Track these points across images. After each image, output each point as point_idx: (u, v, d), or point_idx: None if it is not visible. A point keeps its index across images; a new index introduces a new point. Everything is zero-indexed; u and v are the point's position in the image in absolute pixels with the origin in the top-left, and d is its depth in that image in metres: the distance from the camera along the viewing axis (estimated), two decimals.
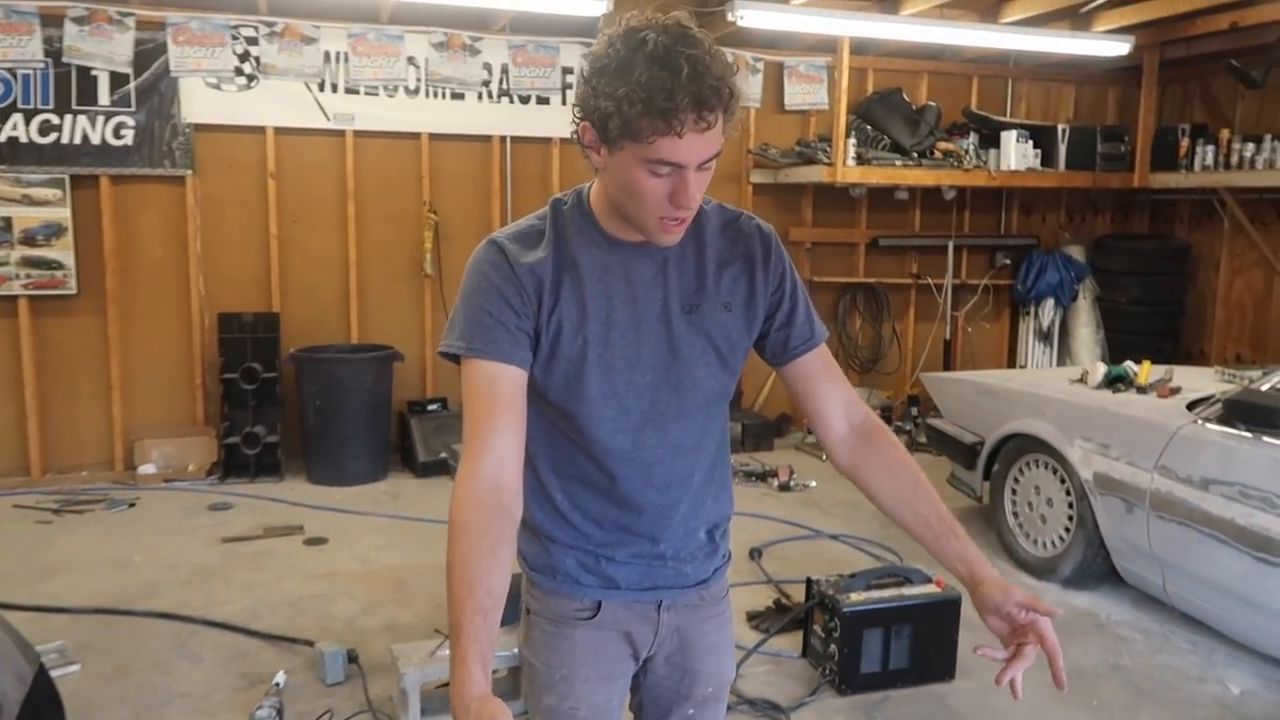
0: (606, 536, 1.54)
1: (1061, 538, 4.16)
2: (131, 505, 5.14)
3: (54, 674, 2.64)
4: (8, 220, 5.31)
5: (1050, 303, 7.16)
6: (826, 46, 6.45)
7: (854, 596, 3.29)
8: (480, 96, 6.03)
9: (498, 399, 1.40)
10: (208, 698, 3.15)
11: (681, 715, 1.66)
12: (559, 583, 1.55)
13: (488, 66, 6.00)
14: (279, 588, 4.04)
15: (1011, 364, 7.45)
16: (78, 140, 5.37)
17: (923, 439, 6.23)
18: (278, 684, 3.11)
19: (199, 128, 5.58)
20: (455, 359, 1.45)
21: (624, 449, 1.50)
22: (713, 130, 1.30)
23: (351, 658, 3.29)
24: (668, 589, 1.58)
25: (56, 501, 5.14)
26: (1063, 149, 6.78)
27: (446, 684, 3.05)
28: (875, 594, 3.32)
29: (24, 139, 5.29)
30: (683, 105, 1.25)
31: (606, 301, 1.45)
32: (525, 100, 6.11)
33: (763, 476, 5.71)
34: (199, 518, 4.96)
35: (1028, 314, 7.34)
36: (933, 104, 6.76)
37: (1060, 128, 6.83)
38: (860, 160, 6.30)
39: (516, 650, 1.47)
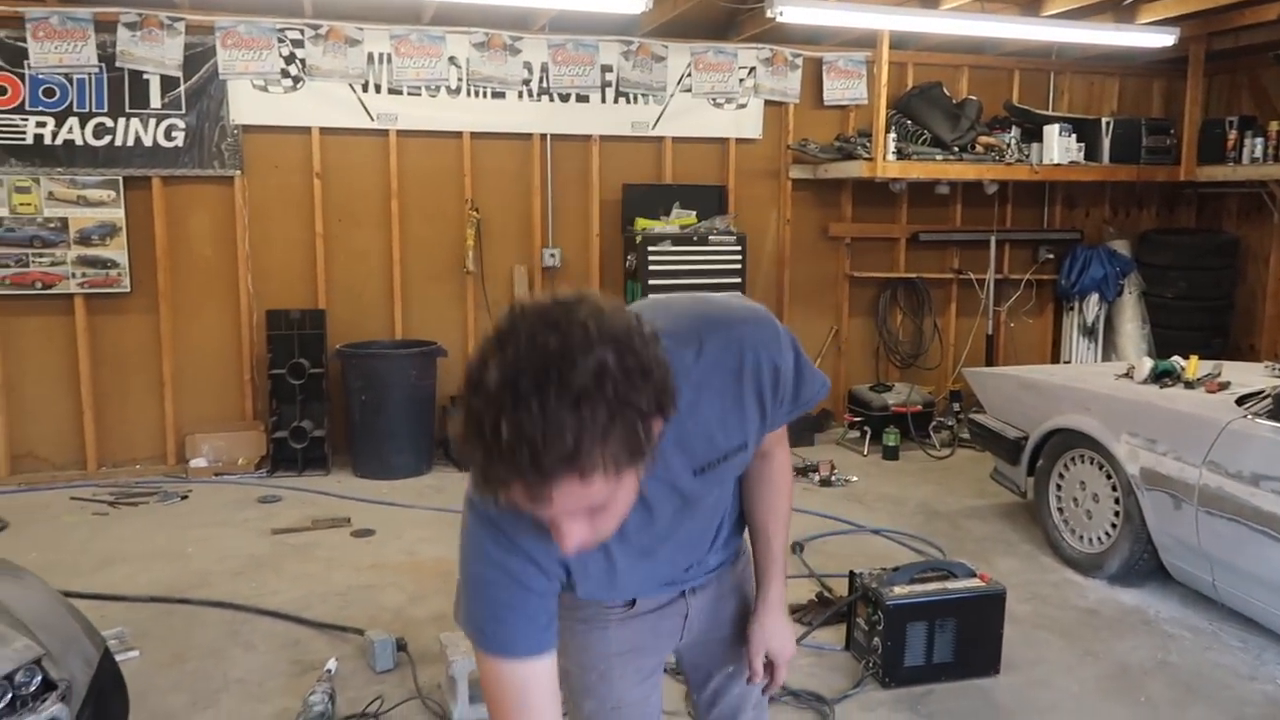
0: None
1: (1108, 534, 4.12)
2: (184, 498, 5.27)
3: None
4: (64, 221, 5.46)
5: (1095, 298, 7.07)
6: (866, 41, 6.43)
7: (897, 590, 3.29)
8: (521, 95, 6.08)
9: (530, 701, 1.24)
10: (262, 684, 3.23)
11: (723, 675, 1.74)
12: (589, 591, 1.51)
13: (528, 65, 6.05)
14: (328, 578, 4.12)
15: (1055, 359, 7.37)
16: (130, 142, 5.51)
17: (965, 434, 6.18)
18: (329, 670, 3.17)
19: (247, 129, 5.69)
20: None
21: (646, 567, 1.49)
22: (559, 499, 1.03)
23: (400, 646, 3.35)
24: (692, 581, 1.62)
25: (112, 494, 5.28)
26: (1107, 142, 6.70)
27: None
28: (919, 587, 3.31)
29: (79, 141, 5.44)
30: (497, 478, 1.02)
31: None
32: (565, 98, 6.16)
33: (804, 471, 5.70)
34: (249, 510, 5.07)
35: (1071, 309, 7.26)
36: (974, 98, 6.71)
37: (1104, 121, 6.75)
38: (900, 155, 6.27)
39: None
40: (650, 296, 1.51)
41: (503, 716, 1.25)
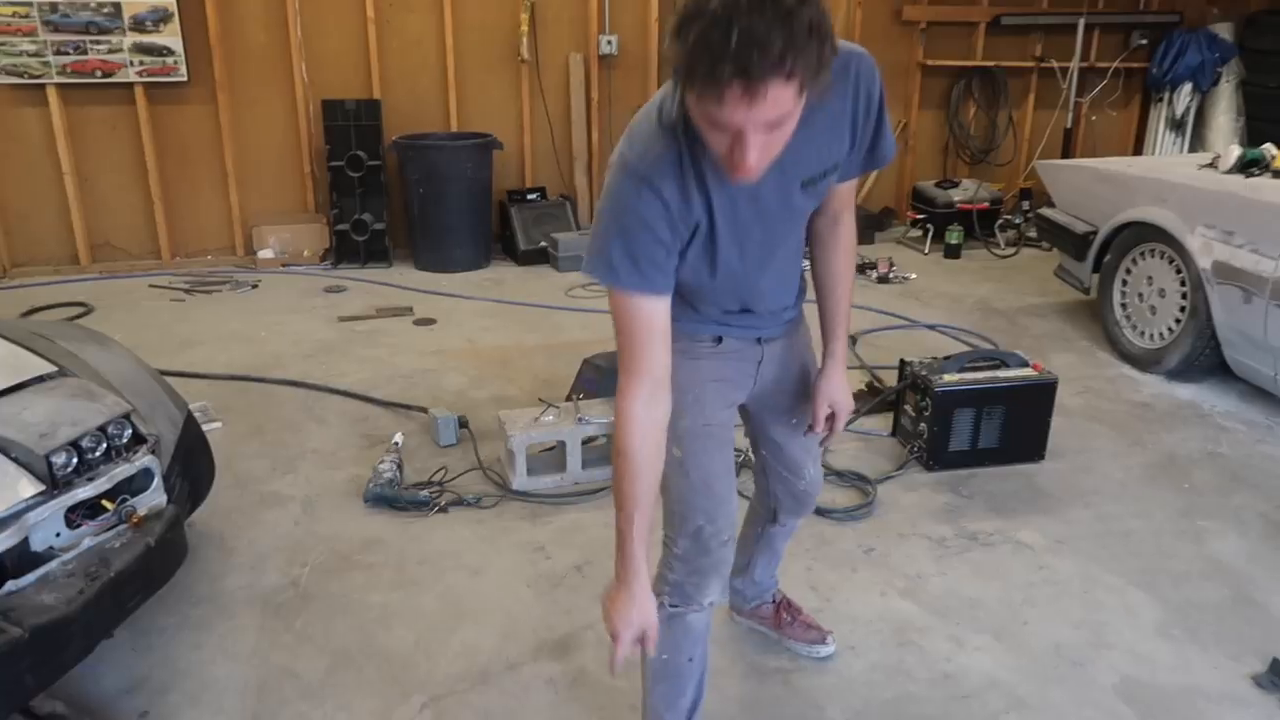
0: (719, 322, 1.79)
1: (1170, 329, 4.05)
2: (254, 287, 5.46)
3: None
4: (117, 6, 5.39)
5: (1187, 88, 6.61)
6: None
7: (947, 377, 3.30)
8: None
9: (654, 328, 1.53)
10: (335, 453, 3.44)
11: (785, 427, 2.00)
12: (684, 322, 1.71)
13: None
14: (393, 362, 4.29)
15: (1139, 155, 7.01)
16: None
17: (1032, 234, 6.02)
18: (396, 443, 3.36)
19: None
20: None
21: (744, 284, 1.70)
22: (768, 100, 1.21)
23: (462, 423, 3.52)
24: (766, 329, 1.85)
25: (187, 282, 5.49)
26: None
27: (550, 448, 3.26)
28: (969, 375, 3.33)
29: None
30: (724, 76, 1.19)
31: (732, 206, 1.53)
32: None
33: (861, 269, 5.65)
34: (316, 299, 5.24)
35: (1160, 100, 6.81)
36: None
37: None
38: None
39: None
40: None
41: (632, 338, 1.53)
